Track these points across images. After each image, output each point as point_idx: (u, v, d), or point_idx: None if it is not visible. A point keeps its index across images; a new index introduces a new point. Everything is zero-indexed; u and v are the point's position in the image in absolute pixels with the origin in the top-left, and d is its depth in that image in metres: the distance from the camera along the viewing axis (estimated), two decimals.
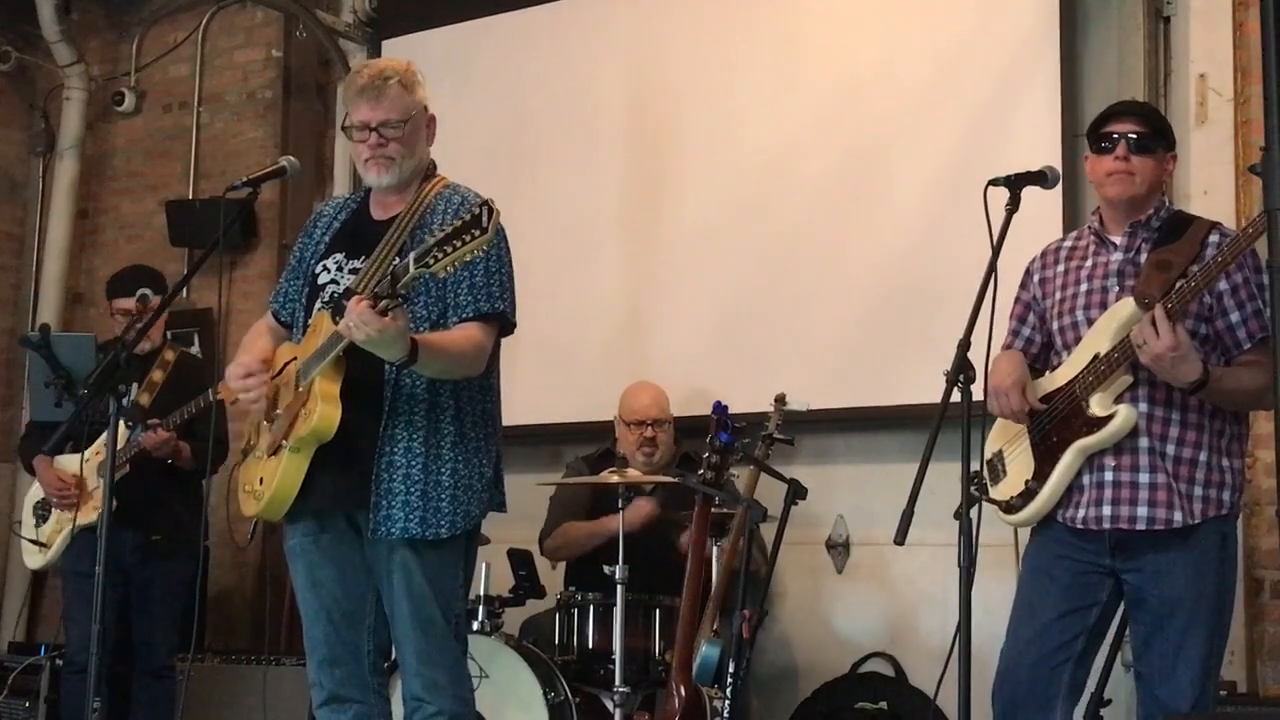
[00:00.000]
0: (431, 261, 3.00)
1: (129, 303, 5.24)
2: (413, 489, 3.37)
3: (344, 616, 3.50)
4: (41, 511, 5.35)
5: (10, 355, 7.48)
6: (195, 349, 6.77)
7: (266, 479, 3.43)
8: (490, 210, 3.00)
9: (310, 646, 3.54)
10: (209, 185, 7.00)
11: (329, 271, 3.52)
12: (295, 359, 3.47)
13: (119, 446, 4.95)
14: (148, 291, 5.27)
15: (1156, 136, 3.46)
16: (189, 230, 6.80)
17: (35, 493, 5.41)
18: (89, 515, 5.06)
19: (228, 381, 3.56)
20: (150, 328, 4.29)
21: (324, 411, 3.30)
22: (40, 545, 5.30)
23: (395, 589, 3.42)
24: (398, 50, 6.62)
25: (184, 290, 6.73)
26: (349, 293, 3.23)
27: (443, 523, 3.39)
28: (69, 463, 5.21)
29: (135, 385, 5.11)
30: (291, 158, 3.83)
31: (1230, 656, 4.55)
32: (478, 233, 2.99)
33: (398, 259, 3.26)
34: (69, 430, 4.59)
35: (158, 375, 5.16)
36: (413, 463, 3.38)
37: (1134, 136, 3.43)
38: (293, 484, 3.38)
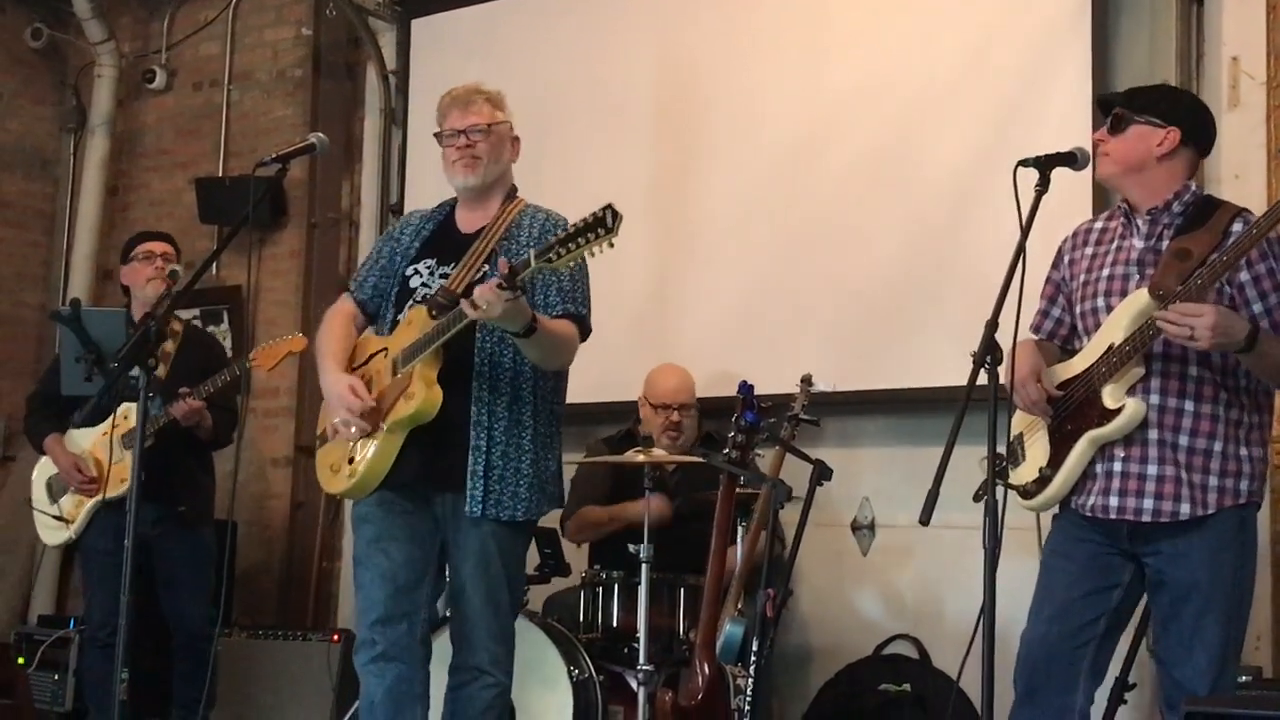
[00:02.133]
0: (554, 258, 3.27)
1: (156, 245, 5.29)
2: (492, 473, 3.64)
3: (408, 581, 3.73)
4: (60, 486, 5.33)
5: (41, 331, 7.53)
6: (224, 326, 6.81)
7: (360, 458, 3.65)
8: (615, 213, 3.22)
9: (366, 605, 3.74)
10: (239, 163, 7.03)
11: (420, 275, 3.81)
12: (384, 350, 3.74)
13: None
14: (178, 268, 5.31)
15: (1131, 113, 3.43)
16: (218, 207, 6.83)
17: (45, 468, 5.38)
18: (113, 490, 5.03)
19: (334, 405, 3.68)
20: (180, 302, 4.33)
21: (428, 395, 3.58)
22: (62, 521, 5.29)
23: (471, 568, 3.68)
24: (427, 30, 6.64)
25: (213, 267, 6.76)
26: (442, 291, 3.61)
27: (519, 507, 3.68)
28: (82, 437, 5.22)
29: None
30: (320, 134, 3.87)
31: (1257, 642, 4.54)
32: (602, 231, 3.23)
33: (485, 266, 3.62)
34: (97, 403, 4.61)
35: (169, 346, 5.19)
36: (493, 449, 3.65)
37: (1109, 118, 3.46)
38: (386, 463, 3.64)
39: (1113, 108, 3.49)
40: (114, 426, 5.12)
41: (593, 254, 3.29)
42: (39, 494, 5.39)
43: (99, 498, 5.10)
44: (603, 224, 3.20)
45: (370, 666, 3.72)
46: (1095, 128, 3.52)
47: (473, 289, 3.55)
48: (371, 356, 3.79)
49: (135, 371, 4.98)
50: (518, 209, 3.85)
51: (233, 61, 7.24)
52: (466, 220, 3.89)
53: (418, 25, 6.68)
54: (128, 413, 5.08)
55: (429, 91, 6.49)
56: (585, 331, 3.81)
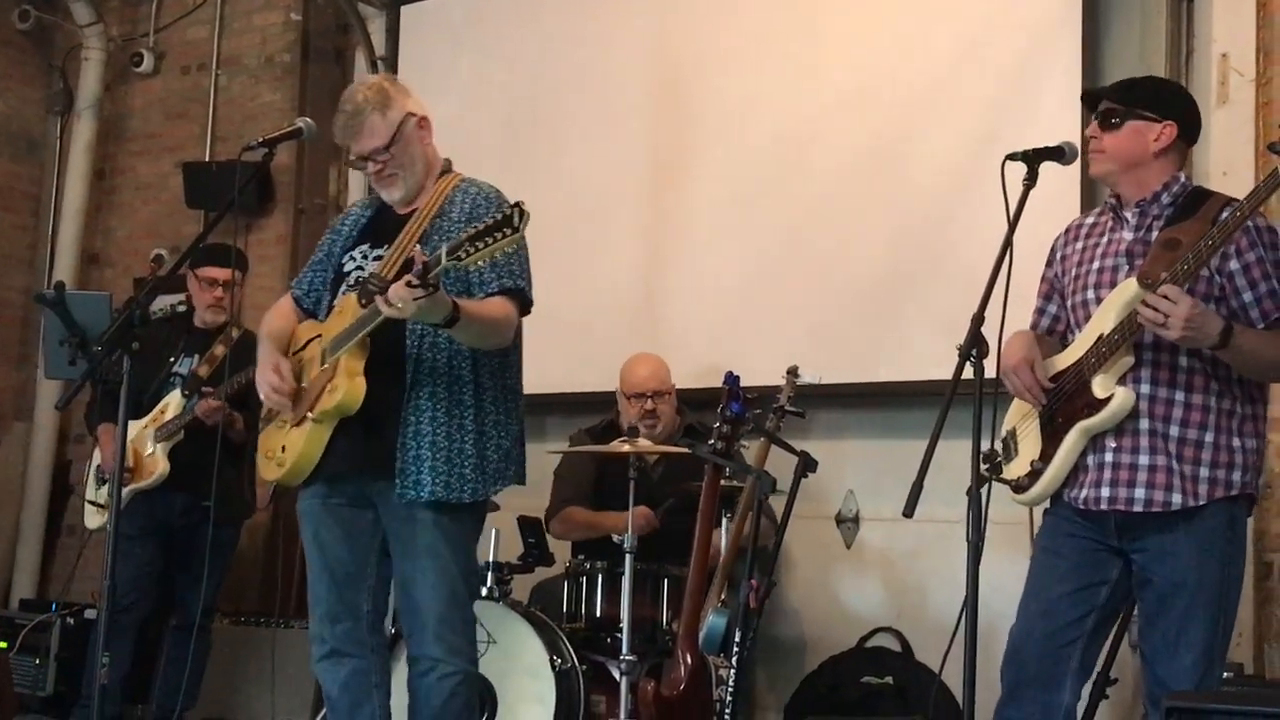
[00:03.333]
0: (463, 255, 3.22)
1: (220, 273, 5.39)
2: (438, 455, 3.56)
3: (346, 577, 3.69)
4: (101, 475, 5.50)
5: (26, 314, 7.50)
6: None
7: (290, 447, 3.63)
8: (522, 212, 3.21)
9: (313, 602, 3.73)
10: (226, 148, 7.00)
11: (354, 260, 3.75)
12: (319, 336, 3.68)
13: (175, 414, 5.23)
14: (163, 252, 5.33)
15: (1125, 109, 3.39)
16: (205, 192, 6.81)
17: (98, 456, 5.54)
18: (143, 479, 5.24)
19: (259, 381, 3.72)
20: (161, 287, 4.32)
21: (350, 387, 3.53)
22: (99, 507, 5.46)
23: (418, 554, 3.60)
24: (416, 16, 6.62)
25: None
26: (374, 277, 3.48)
27: (466, 488, 3.59)
28: (131, 430, 5.26)
29: (197, 356, 5.32)
30: (308, 119, 3.85)
31: (1238, 639, 4.54)
32: (509, 231, 3.21)
33: (419, 246, 3.49)
34: (79, 387, 4.63)
35: (219, 350, 5.33)
36: (437, 430, 3.57)
37: (1102, 113, 3.42)
38: (314, 453, 3.60)
39: (1098, 102, 3.47)
40: (153, 420, 5.27)
41: (503, 252, 3.26)
42: (89, 481, 5.60)
43: (132, 487, 5.21)
44: (509, 223, 3.20)
45: (323, 664, 3.70)
46: (1085, 123, 3.50)
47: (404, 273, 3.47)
48: (307, 343, 3.73)
49: (180, 367, 5.22)
50: (451, 185, 3.76)
51: (221, 46, 7.22)
52: (403, 202, 3.79)
53: (407, 12, 6.67)
54: (165, 406, 5.28)
55: (418, 78, 6.47)
56: (525, 305, 3.70)
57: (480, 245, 3.21)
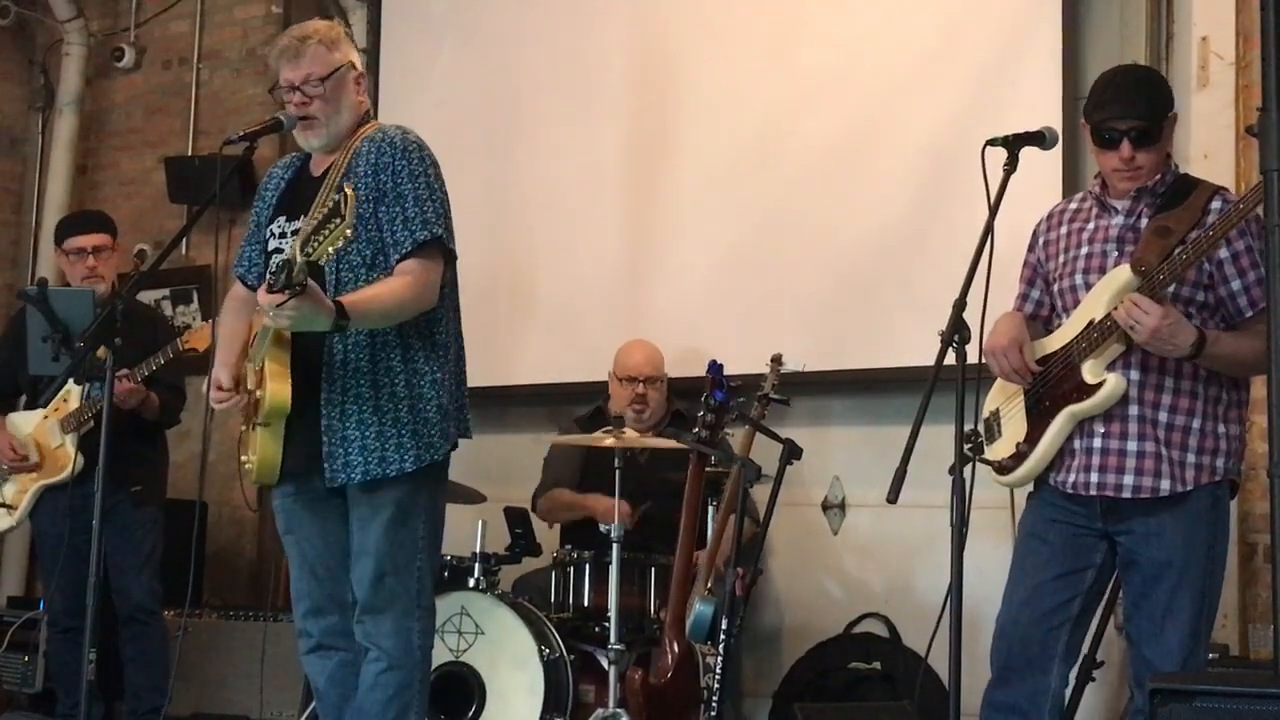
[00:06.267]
0: (311, 251, 3.08)
1: (87, 239, 5.14)
2: (368, 431, 3.46)
3: (326, 570, 3.62)
4: (3, 472, 5.20)
5: (9, 310, 7.47)
6: (194, 306, 6.77)
7: (253, 451, 3.55)
8: (347, 198, 3.06)
9: (296, 597, 3.69)
10: (208, 142, 6.98)
11: (274, 237, 3.63)
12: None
13: (77, 405, 5.00)
14: (146, 247, 5.27)
15: (1157, 122, 3.37)
16: (188, 187, 6.77)
17: None
18: (53, 475, 5.06)
19: (212, 397, 3.63)
20: (146, 282, 4.29)
21: (274, 390, 3.43)
22: (6, 508, 5.19)
23: (354, 536, 3.54)
24: (398, 8, 6.61)
25: (182, 247, 6.72)
26: (287, 263, 3.14)
27: (407, 458, 3.48)
28: (24, 421, 5.16)
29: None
30: (288, 112, 3.81)
31: (1223, 620, 4.56)
32: (339, 221, 3.06)
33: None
34: (61, 383, 4.58)
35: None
36: (364, 407, 3.46)
37: (1135, 133, 3.36)
38: (273, 454, 3.51)
39: (1124, 115, 3.36)
40: (55, 410, 5.07)
41: (342, 240, 3.08)
42: None
43: (41, 483, 5.07)
44: (337, 211, 3.05)
45: (309, 657, 3.66)
46: (1099, 137, 3.42)
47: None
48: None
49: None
50: (360, 138, 3.59)
51: (202, 40, 7.18)
52: (318, 161, 3.66)
53: (389, 3, 6.65)
54: (67, 395, 5.03)
55: (400, 71, 6.50)
56: (448, 254, 3.54)
57: (320, 239, 3.07)
